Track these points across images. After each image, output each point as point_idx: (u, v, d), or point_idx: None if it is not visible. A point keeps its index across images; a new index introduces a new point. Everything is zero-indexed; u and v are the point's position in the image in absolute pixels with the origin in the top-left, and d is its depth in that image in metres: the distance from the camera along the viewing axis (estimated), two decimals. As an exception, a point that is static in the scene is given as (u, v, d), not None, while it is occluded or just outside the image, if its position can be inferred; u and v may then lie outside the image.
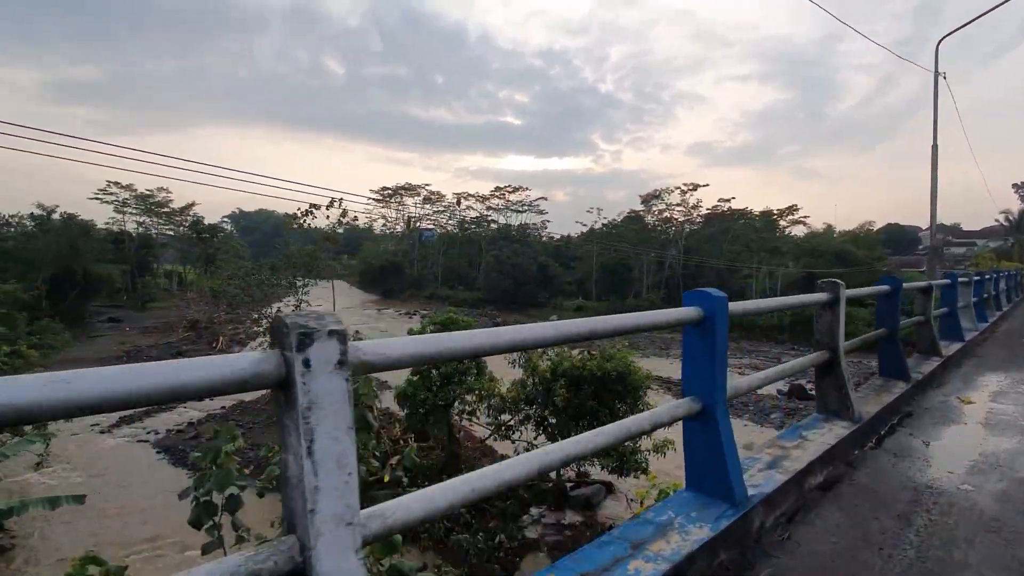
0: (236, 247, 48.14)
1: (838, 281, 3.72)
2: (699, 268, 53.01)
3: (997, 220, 58.54)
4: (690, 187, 56.31)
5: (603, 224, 61.53)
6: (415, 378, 13.68)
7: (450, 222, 76.56)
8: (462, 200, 75.70)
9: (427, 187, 74.56)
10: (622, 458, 10.65)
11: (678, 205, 57.71)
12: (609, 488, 13.19)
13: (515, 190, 65.70)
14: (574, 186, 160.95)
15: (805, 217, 53.46)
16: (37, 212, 39.02)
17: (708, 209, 58.90)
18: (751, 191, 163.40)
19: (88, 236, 39.61)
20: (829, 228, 56.50)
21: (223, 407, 20.56)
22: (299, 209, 25.50)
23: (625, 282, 53.05)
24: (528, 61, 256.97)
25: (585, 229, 62.29)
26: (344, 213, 27.12)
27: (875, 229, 56.67)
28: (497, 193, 66.77)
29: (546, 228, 69.12)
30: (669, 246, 56.89)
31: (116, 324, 42.24)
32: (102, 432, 18.11)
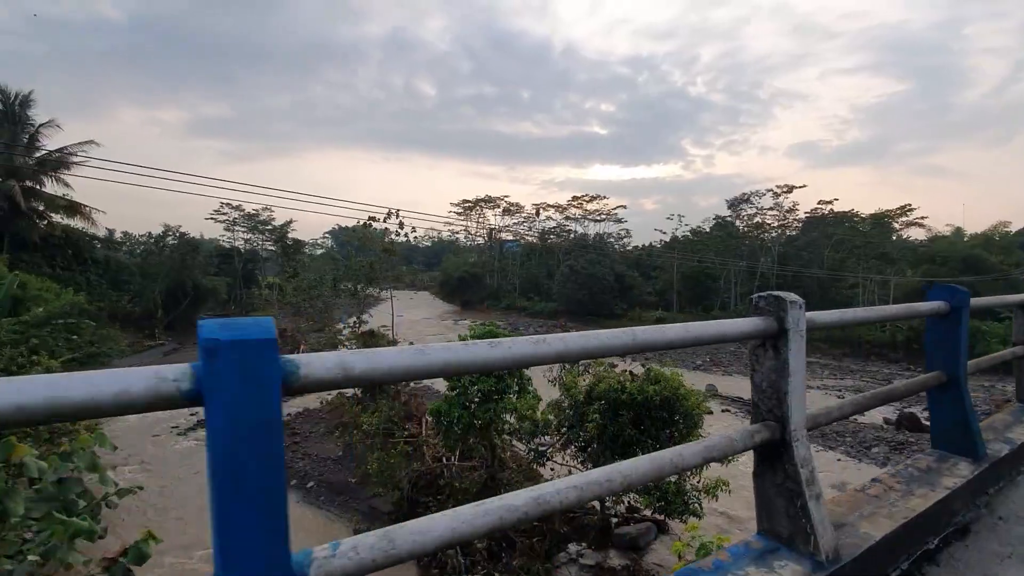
0: (317, 262, 50.90)
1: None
2: (796, 277, 48.26)
3: None
4: (784, 189, 51.69)
5: (688, 231, 58.19)
6: (452, 393, 13.06)
7: (530, 233, 76.49)
8: (540, 211, 75.47)
9: (506, 199, 74.97)
10: (665, 497, 9.21)
11: (771, 209, 53.17)
12: (661, 527, 11.66)
13: (592, 199, 64.12)
14: (663, 194, 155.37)
15: (922, 218, 46.93)
16: (154, 232, 43.64)
17: (807, 213, 53.76)
18: (863, 193, 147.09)
19: (196, 252, 43.66)
20: (957, 231, 49.12)
21: (289, 414, 21.22)
22: (359, 221, 26.19)
23: (709, 292, 49.54)
24: (613, 70, 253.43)
25: (666, 237, 59.18)
26: (401, 225, 27.63)
27: (1012, 231, 48.32)
28: (574, 202, 65.54)
29: (625, 237, 66.80)
30: (761, 254, 52.48)
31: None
32: (180, 434, 19.27)
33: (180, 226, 47.56)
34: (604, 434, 9.85)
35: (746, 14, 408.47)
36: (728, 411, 21.31)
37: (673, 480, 9.20)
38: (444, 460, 13.10)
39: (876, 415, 20.67)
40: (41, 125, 24.56)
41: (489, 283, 70.33)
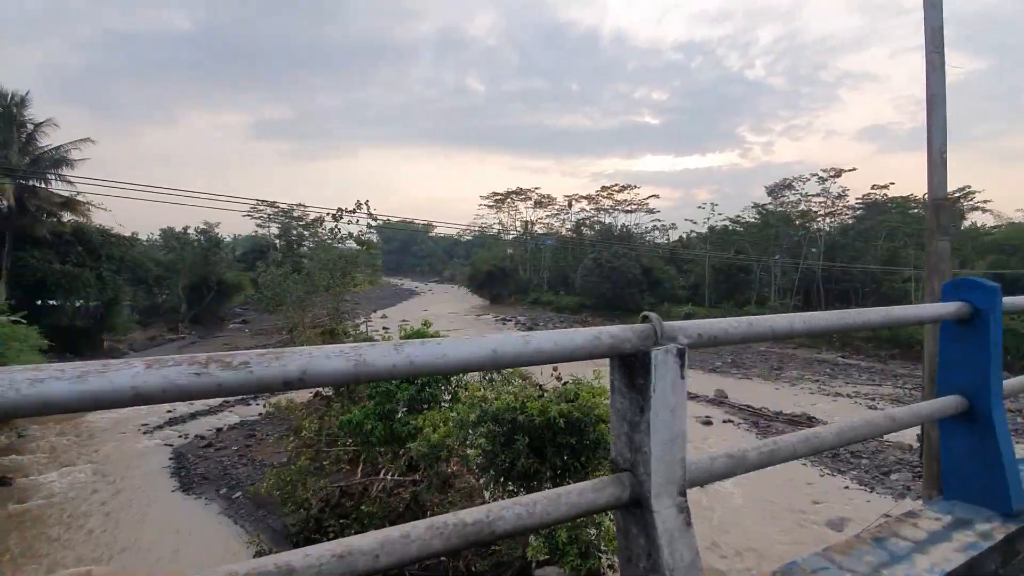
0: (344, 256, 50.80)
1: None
2: (844, 270, 43.96)
3: None
4: (832, 173, 47.15)
5: (726, 221, 54.37)
6: (370, 404, 11.66)
7: (563, 226, 74.40)
8: (572, 202, 73.11)
9: (536, 190, 73.03)
10: (555, 545, 7.42)
11: (816, 195, 48.69)
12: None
13: (622, 188, 61.15)
14: (718, 184, 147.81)
15: (984, 202, 41.50)
16: (178, 230, 44.75)
17: (858, 199, 48.92)
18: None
19: (218, 248, 44.47)
20: None
21: (259, 414, 20.56)
22: (328, 213, 25.18)
23: (743, 286, 46.01)
24: (665, 57, 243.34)
25: (701, 228, 55.58)
26: (374, 218, 26.48)
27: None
28: (603, 192, 62.79)
29: (664, 228, 63.38)
30: (806, 244, 48.20)
31: (245, 325, 46.99)
32: (146, 433, 18.91)
33: (219, 223, 48.82)
34: (494, 463, 8.14)
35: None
36: (731, 422, 18.89)
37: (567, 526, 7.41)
38: (363, 477, 11.73)
39: (907, 433, 17.72)
40: (38, 125, 25.01)
41: (521, 277, 68.82)
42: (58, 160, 25.67)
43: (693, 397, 21.92)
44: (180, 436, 18.46)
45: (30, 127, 24.95)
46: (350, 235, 27.76)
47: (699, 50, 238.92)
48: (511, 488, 8.18)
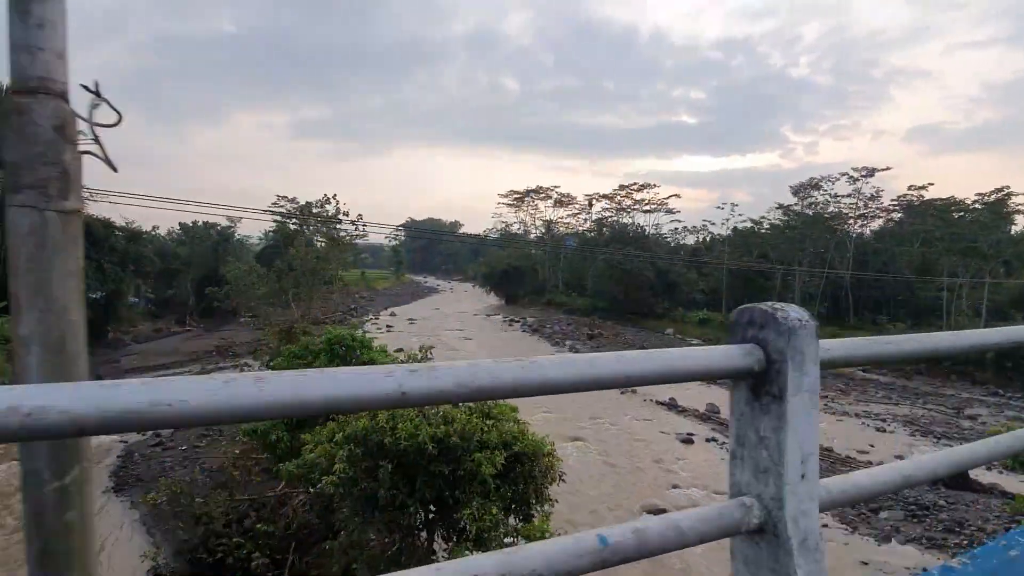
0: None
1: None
2: (877, 276, 41.08)
3: None
4: (863, 172, 44.17)
5: (747, 223, 51.83)
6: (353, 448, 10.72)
7: (584, 226, 72.92)
8: (593, 202, 71.43)
9: (556, 189, 71.70)
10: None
11: (847, 196, 45.75)
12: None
13: (641, 187, 59.09)
14: (757, 185, 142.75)
15: None
16: (188, 224, 45.33)
17: (893, 201, 45.76)
18: (995, 182, 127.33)
19: (227, 242, 44.86)
20: None
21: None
22: (287, 210, 24.55)
23: (762, 291, 43.57)
24: (704, 55, 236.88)
25: (721, 230, 53.13)
26: (338, 212, 25.76)
27: None
28: (621, 191, 60.89)
29: (683, 230, 61.03)
30: (832, 248, 45.34)
31: (255, 319, 47.39)
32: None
33: (241, 219, 49.36)
34: (351, 492, 7.07)
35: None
36: (714, 440, 17.28)
37: None
38: (271, 492, 10.87)
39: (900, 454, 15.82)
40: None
41: (540, 277, 67.59)
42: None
43: (680, 410, 20.37)
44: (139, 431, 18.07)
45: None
46: (341, 232, 27.19)
47: (739, 47, 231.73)
48: (376, 522, 7.09)
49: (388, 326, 43.64)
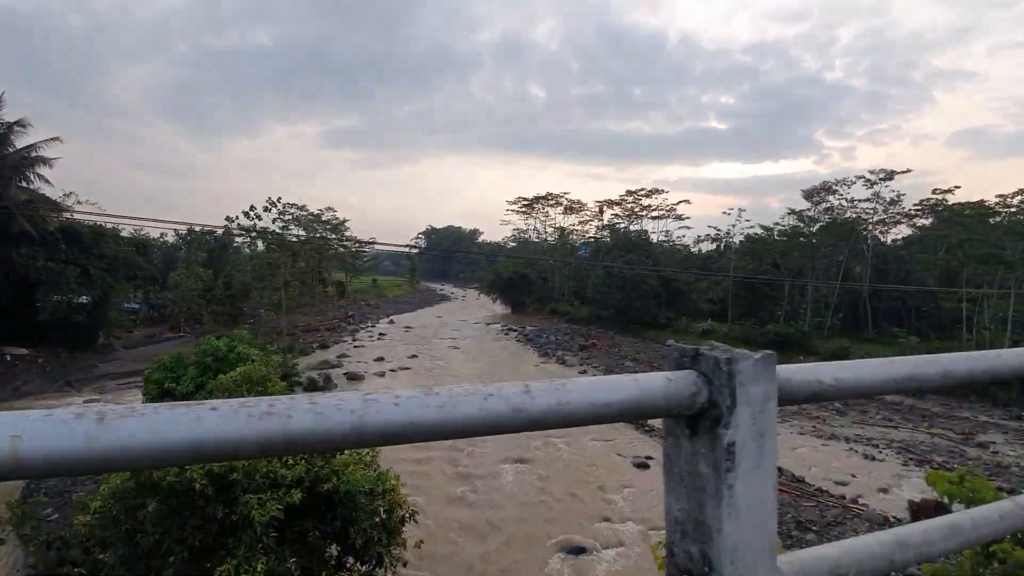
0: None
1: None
2: (889, 288, 38.32)
3: None
4: (882, 175, 41.44)
5: (754, 228, 49.39)
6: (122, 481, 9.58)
7: (596, 232, 71.37)
8: (604, 208, 69.80)
9: (567, 195, 70.37)
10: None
11: (864, 200, 43.00)
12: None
13: (649, 193, 57.19)
14: (790, 191, 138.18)
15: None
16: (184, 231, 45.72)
17: (914, 206, 42.82)
18: None
19: (224, 248, 45.05)
20: None
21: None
22: (243, 212, 23.92)
23: (770, 300, 41.30)
24: (735, 59, 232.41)
25: (731, 238, 50.84)
26: (286, 213, 24.94)
27: None
28: (629, 197, 59.11)
29: (698, 237, 58.79)
30: (848, 255, 42.66)
31: (251, 325, 47.51)
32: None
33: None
34: (114, 534, 5.98)
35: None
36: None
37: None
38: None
39: (890, 500, 13.90)
40: (11, 125, 25.56)
41: (549, 285, 66.27)
42: (32, 160, 26.17)
43: (648, 429, 18.77)
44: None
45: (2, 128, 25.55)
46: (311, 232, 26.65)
47: (771, 51, 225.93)
48: (143, 570, 5.97)
49: (381, 334, 42.93)
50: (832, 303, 41.53)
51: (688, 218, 56.72)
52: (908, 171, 40.85)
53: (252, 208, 21.25)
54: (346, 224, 67.46)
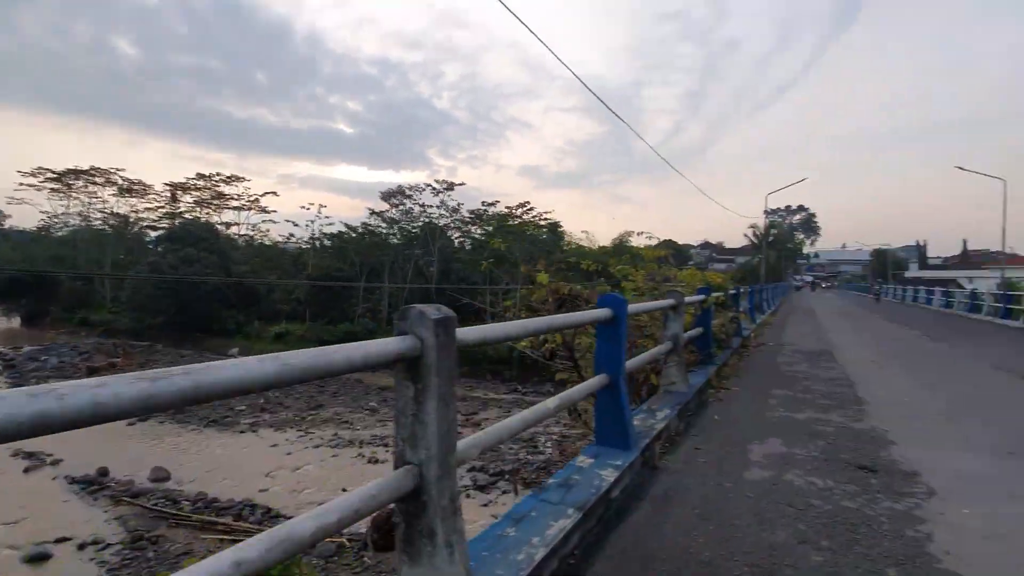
0: None
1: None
2: (461, 281, 42.91)
3: (746, 235, 64.21)
4: (444, 185, 46.31)
5: (334, 226, 48.59)
6: None
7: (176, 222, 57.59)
8: (179, 195, 57.30)
9: (120, 172, 54.51)
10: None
11: (435, 206, 47.20)
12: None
13: (228, 180, 49.64)
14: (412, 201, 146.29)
15: (547, 213, 46.20)
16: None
17: (470, 212, 49.52)
18: (575, 212, 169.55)
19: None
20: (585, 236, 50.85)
21: None
22: None
23: (343, 299, 40.64)
24: (362, 68, 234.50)
25: (305, 234, 48.56)
26: None
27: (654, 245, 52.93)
28: (206, 181, 50.04)
29: (269, 231, 53.75)
30: (413, 258, 45.97)
31: None
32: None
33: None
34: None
35: (485, 43, 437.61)
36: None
37: None
38: None
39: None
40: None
41: (88, 287, 49.30)
42: None
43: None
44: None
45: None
46: None
47: (394, 70, 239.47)
48: None
49: None
50: (405, 298, 43.87)
51: (275, 211, 51.61)
52: (463, 184, 46.84)
53: None
54: None
